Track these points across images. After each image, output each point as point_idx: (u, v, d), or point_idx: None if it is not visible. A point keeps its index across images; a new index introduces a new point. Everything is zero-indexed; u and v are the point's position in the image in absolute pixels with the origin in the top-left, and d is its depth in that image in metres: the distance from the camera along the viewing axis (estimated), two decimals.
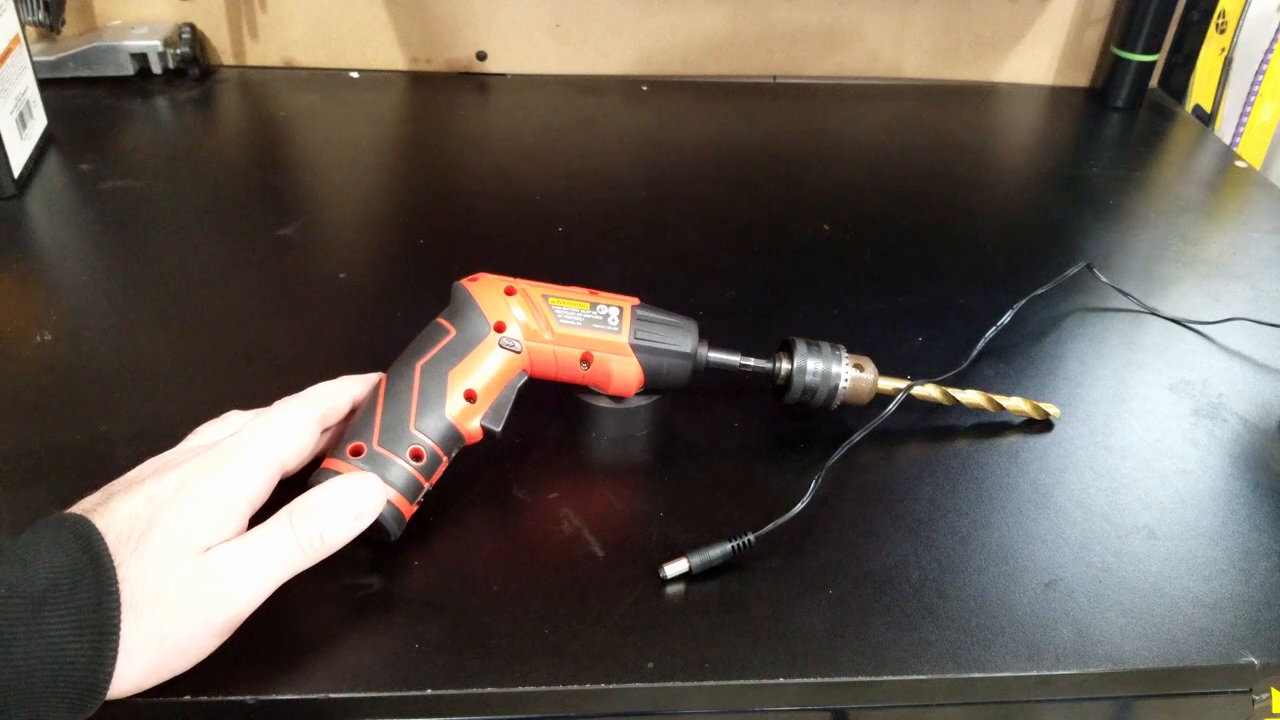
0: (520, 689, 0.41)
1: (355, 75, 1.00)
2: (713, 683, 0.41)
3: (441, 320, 0.49)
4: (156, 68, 0.93)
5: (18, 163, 0.74)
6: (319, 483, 0.44)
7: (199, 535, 0.38)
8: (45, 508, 0.47)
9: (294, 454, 0.44)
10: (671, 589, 0.45)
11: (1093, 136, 0.97)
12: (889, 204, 0.82)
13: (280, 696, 0.40)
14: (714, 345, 0.53)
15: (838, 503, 0.51)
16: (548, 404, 0.54)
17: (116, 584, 0.36)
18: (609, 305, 0.51)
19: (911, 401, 0.54)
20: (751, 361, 0.53)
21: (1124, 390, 0.61)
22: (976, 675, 0.43)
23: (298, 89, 0.96)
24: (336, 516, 0.41)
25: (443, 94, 0.98)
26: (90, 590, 0.36)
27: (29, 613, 0.34)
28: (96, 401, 0.54)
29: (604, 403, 0.53)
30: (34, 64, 0.79)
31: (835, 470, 0.51)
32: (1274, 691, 0.46)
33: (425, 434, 0.45)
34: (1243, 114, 1.07)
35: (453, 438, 0.46)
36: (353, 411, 0.48)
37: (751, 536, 0.46)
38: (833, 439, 0.52)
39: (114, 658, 0.36)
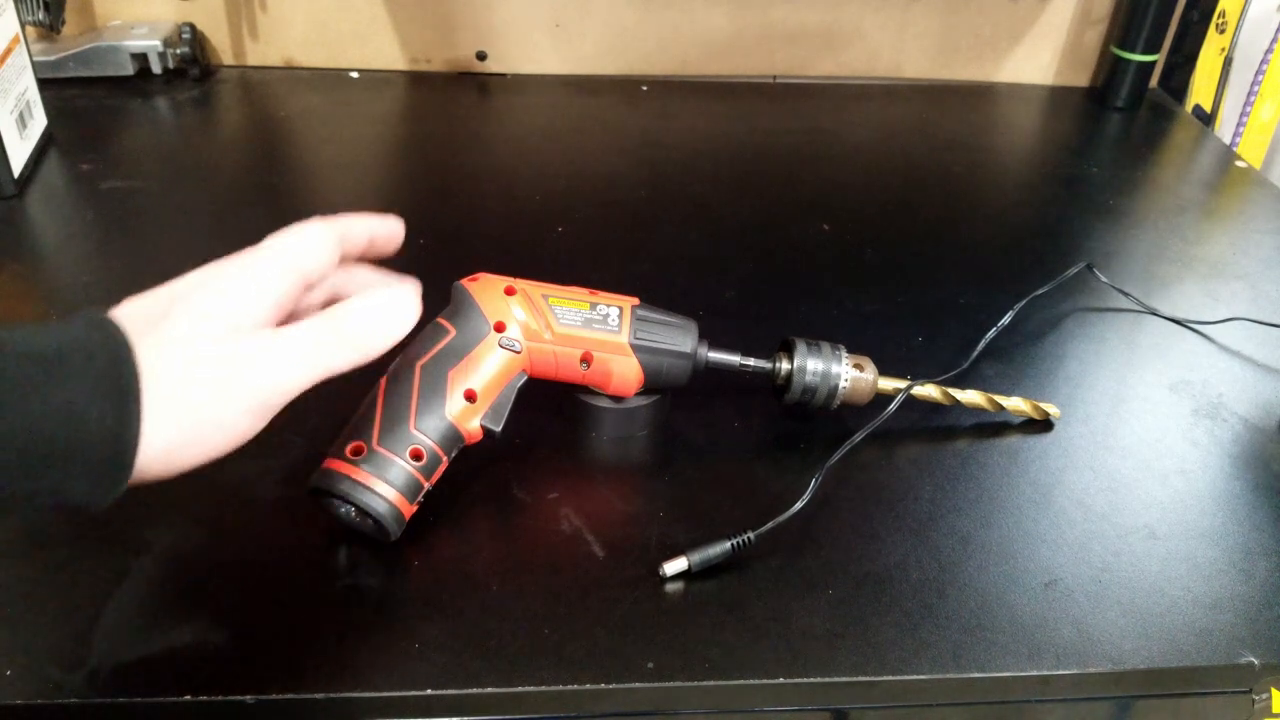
0: (520, 689, 0.41)
1: (355, 75, 1.00)
2: (713, 683, 0.41)
3: (441, 320, 0.49)
4: (156, 68, 0.93)
5: (18, 163, 0.74)
6: (320, 483, 0.44)
7: (225, 318, 0.36)
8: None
9: (316, 265, 0.40)
10: (671, 588, 0.45)
11: (1093, 136, 0.97)
12: (889, 204, 0.82)
13: (280, 696, 0.40)
14: (714, 345, 0.53)
15: (838, 503, 0.51)
16: (548, 404, 0.54)
17: (132, 351, 0.34)
18: (609, 305, 0.51)
19: (911, 401, 0.54)
20: (751, 361, 0.53)
21: (1124, 390, 0.61)
22: (976, 675, 0.43)
23: (298, 89, 0.96)
24: (379, 317, 0.39)
25: (443, 94, 0.98)
26: (105, 357, 0.34)
27: (44, 372, 0.32)
28: None
29: (604, 403, 0.53)
30: (34, 64, 0.79)
31: (835, 470, 0.51)
32: (1274, 691, 0.46)
33: (425, 434, 0.45)
34: (1243, 114, 1.07)
35: (453, 438, 0.46)
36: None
37: (751, 535, 0.46)
38: (833, 439, 0.52)
39: (138, 421, 0.34)
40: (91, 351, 0.34)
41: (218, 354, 0.36)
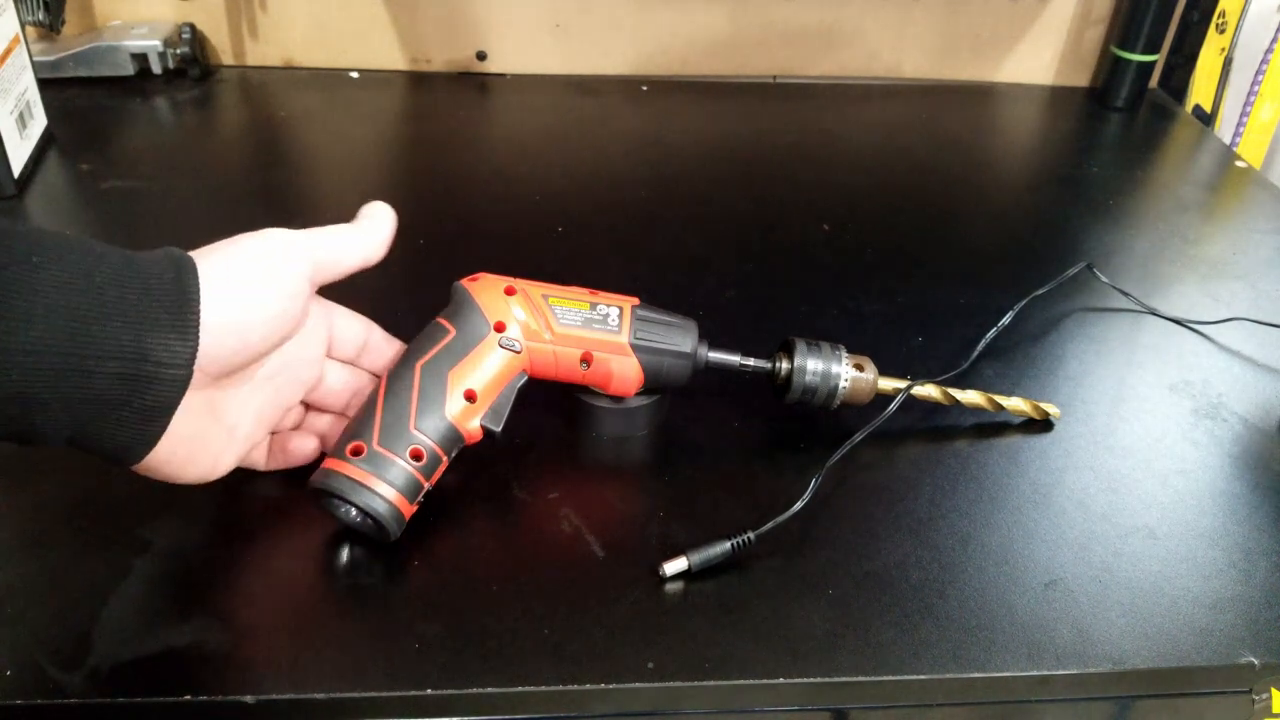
0: (520, 689, 0.41)
1: (355, 75, 1.00)
2: (713, 683, 0.41)
3: (441, 320, 0.49)
4: (156, 68, 0.93)
5: (18, 163, 0.74)
6: (320, 483, 0.44)
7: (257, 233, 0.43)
8: (49, 507, 0.47)
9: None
10: (671, 588, 0.45)
11: (1093, 136, 0.97)
12: (889, 204, 0.82)
13: (280, 696, 0.40)
14: (714, 345, 0.53)
15: (838, 503, 0.51)
16: (548, 404, 0.54)
17: (177, 249, 0.40)
18: (609, 305, 0.51)
19: (911, 401, 0.54)
20: (751, 361, 0.53)
21: (1124, 390, 0.61)
22: (976, 675, 0.43)
23: (298, 89, 0.96)
24: (379, 221, 0.47)
25: (443, 94, 0.98)
26: (158, 251, 0.39)
27: (103, 247, 0.37)
28: None
29: (604, 403, 0.53)
30: (34, 64, 0.79)
31: (835, 470, 0.51)
32: (1274, 691, 0.46)
33: (425, 434, 0.45)
34: (1243, 114, 1.07)
35: (453, 438, 0.46)
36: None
37: (751, 535, 0.46)
38: (833, 439, 0.52)
39: (195, 275, 0.38)
40: (140, 253, 0.39)
41: (254, 242, 0.42)
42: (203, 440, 0.42)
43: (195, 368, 0.38)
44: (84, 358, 0.34)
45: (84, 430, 0.36)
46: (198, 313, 0.37)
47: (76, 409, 0.35)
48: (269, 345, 0.42)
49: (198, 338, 0.37)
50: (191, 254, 0.40)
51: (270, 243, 0.42)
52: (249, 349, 0.40)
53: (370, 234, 0.46)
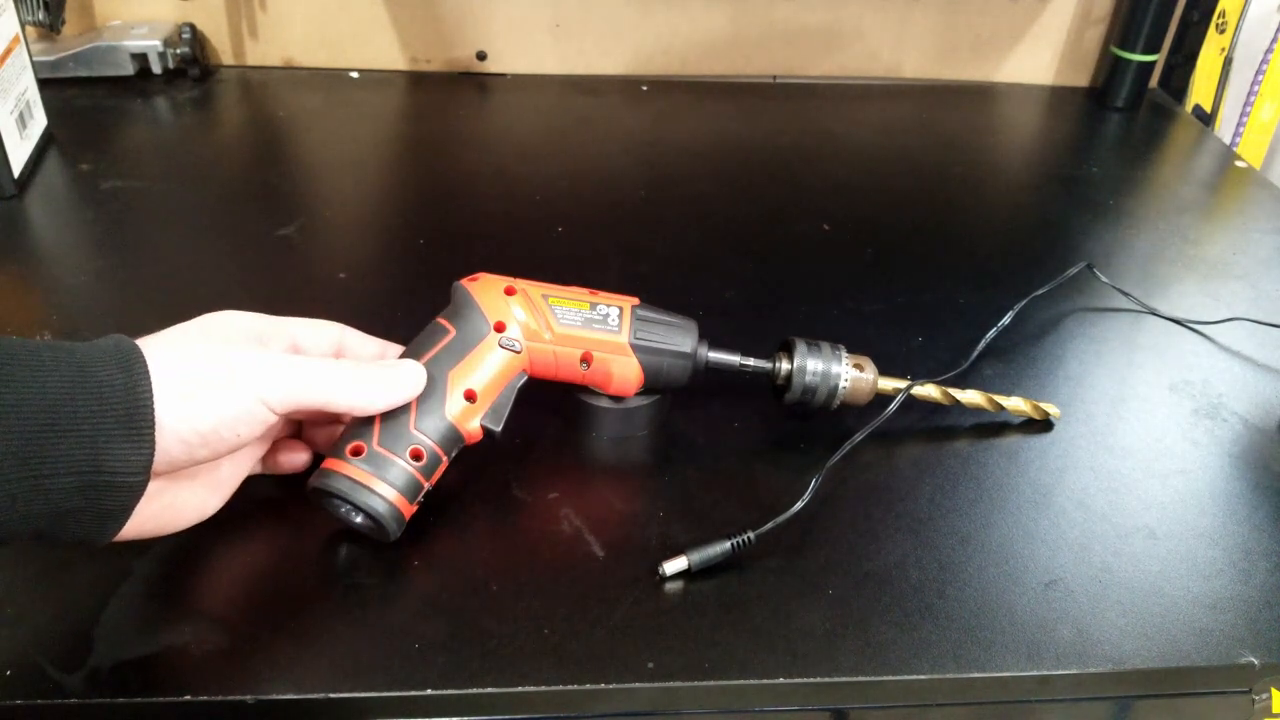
0: (520, 689, 0.41)
1: (355, 75, 1.00)
2: (713, 683, 0.41)
3: (441, 320, 0.49)
4: (156, 68, 0.93)
5: (18, 163, 0.74)
6: (320, 483, 0.44)
7: (223, 336, 0.42)
8: None
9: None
10: (671, 588, 0.45)
11: (1093, 136, 0.97)
12: (889, 204, 0.82)
13: (280, 696, 0.40)
14: (714, 345, 0.53)
15: (838, 503, 0.51)
16: (548, 404, 0.54)
17: (131, 340, 0.38)
18: (609, 305, 0.51)
19: (911, 401, 0.54)
20: (751, 361, 0.53)
21: (1124, 390, 0.61)
22: (976, 675, 0.43)
23: (298, 89, 0.96)
24: (395, 382, 0.44)
25: (443, 94, 0.98)
26: (109, 342, 0.37)
27: (53, 351, 0.36)
28: None
29: (604, 403, 0.53)
30: (34, 64, 0.79)
31: (835, 470, 0.51)
32: (1274, 691, 0.46)
33: (425, 434, 0.45)
34: (1243, 114, 1.07)
35: (453, 438, 0.46)
36: (338, 422, 0.48)
37: (751, 535, 0.46)
38: (833, 439, 0.52)
39: (146, 379, 0.36)
40: (94, 342, 0.37)
41: (216, 350, 0.40)
42: (173, 509, 0.41)
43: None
44: (39, 476, 0.34)
45: (44, 532, 0.36)
46: (152, 420, 0.36)
47: (36, 519, 0.35)
48: (221, 454, 0.40)
49: (153, 445, 0.36)
50: (140, 344, 0.38)
51: (227, 361, 0.39)
52: (200, 456, 0.39)
53: (378, 386, 0.43)
